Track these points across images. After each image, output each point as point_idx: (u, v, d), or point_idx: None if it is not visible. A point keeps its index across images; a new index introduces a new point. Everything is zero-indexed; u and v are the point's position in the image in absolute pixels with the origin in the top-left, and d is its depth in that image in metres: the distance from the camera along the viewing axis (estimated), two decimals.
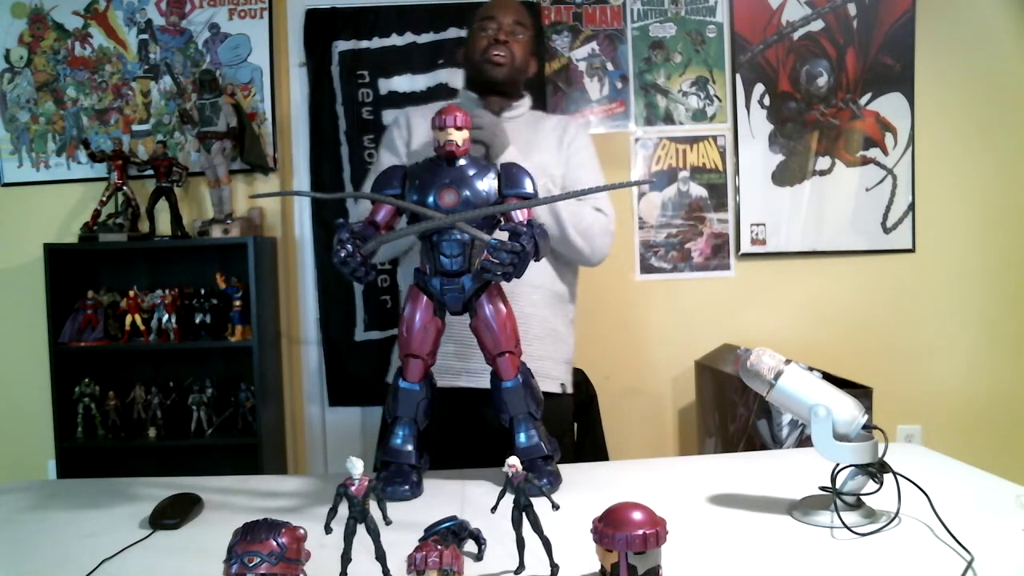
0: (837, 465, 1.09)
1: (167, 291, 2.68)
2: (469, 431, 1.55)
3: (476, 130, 1.43)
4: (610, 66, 2.91)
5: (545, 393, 1.61)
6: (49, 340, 2.67)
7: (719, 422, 2.57)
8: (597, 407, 2.73)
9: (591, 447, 2.64)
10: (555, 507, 0.95)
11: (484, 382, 1.35)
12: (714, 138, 2.93)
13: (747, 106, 2.92)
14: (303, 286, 2.93)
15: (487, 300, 1.26)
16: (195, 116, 2.70)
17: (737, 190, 2.93)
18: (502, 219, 1.26)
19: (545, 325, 1.67)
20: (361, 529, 0.88)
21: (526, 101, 1.82)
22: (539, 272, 1.64)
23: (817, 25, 2.91)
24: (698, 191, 2.92)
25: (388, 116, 2.79)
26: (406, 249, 1.69)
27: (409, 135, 1.74)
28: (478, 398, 1.46)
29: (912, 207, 2.93)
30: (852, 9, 2.90)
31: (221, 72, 2.85)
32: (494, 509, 0.96)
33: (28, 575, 0.99)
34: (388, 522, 0.93)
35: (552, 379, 1.68)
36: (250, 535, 0.73)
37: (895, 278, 2.95)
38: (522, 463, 0.94)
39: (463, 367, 1.57)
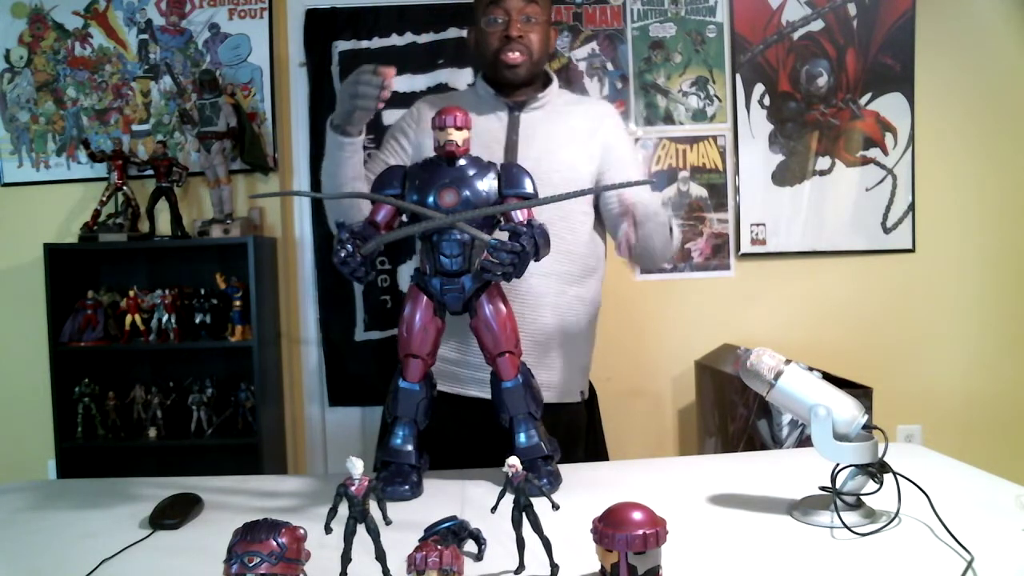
0: (837, 465, 1.09)
1: (167, 291, 2.68)
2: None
3: None
4: (610, 66, 2.91)
5: (567, 404, 1.61)
6: (49, 340, 2.67)
7: (719, 422, 2.57)
8: (597, 407, 2.73)
9: (591, 447, 2.64)
10: (555, 507, 0.95)
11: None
12: (714, 138, 2.93)
13: (747, 106, 2.92)
14: (303, 286, 2.93)
15: (487, 300, 1.26)
16: (195, 116, 2.70)
17: (737, 190, 2.93)
18: (502, 219, 1.26)
19: (578, 336, 1.61)
20: (361, 529, 0.88)
21: (552, 86, 1.65)
22: (588, 286, 1.60)
23: (817, 25, 2.91)
24: (698, 191, 2.93)
25: (388, 116, 2.79)
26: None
27: (418, 125, 1.63)
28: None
29: (912, 207, 2.93)
30: (852, 9, 2.90)
31: (221, 72, 2.85)
32: (494, 509, 0.96)
33: (28, 575, 0.99)
34: (388, 522, 0.93)
35: (572, 392, 1.65)
36: (250, 535, 0.73)
37: (895, 278, 2.95)
38: (522, 463, 0.94)
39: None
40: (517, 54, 1.54)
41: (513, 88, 1.60)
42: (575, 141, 1.59)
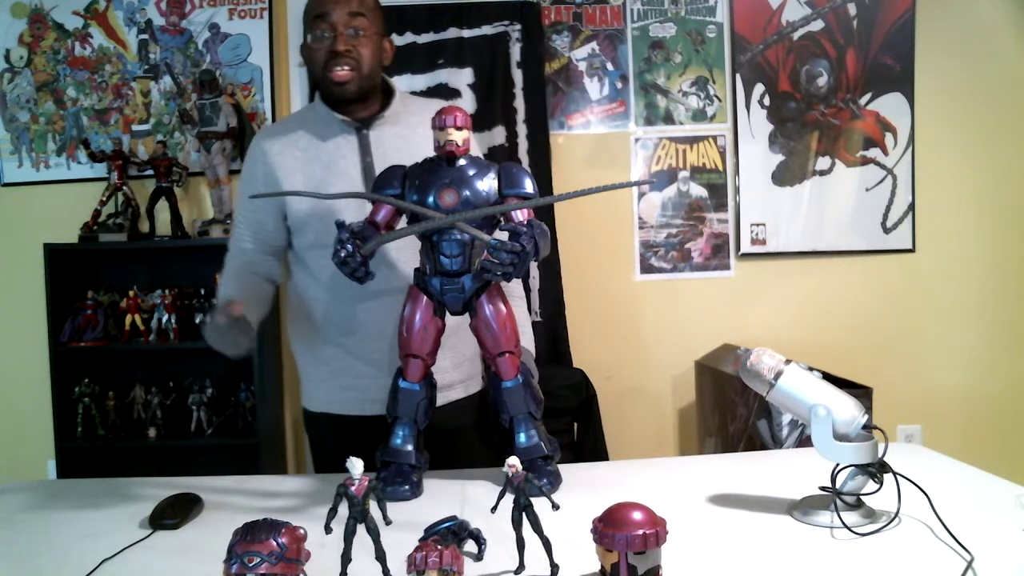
0: (837, 465, 1.09)
1: (167, 291, 2.68)
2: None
3: None
4: (610, 66, 2.91)
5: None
6: (49, 340, 2.66)
7: (719, 422, 2.57)
8: (597, 407, 2.74)
9: (591, 446, 2.65)
10: (555, 507, 0.95)
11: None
12: (714, 138, 2.93)
13: (747, 106, 2.92)
14: None
15: (487, 300, 1.26)
16: (195, 116, 2.71)
17: (737, 190, 2.93)
18: (502, 219, 1.26)
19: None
20: (361, 529, 0.88)
21: (395, 97, 1.56)
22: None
23: (817, 25, 2.91)
24: (698, 191, 2.92)
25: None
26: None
27: (265, 160, 1.56)
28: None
29: (912, 207, 2.93)
30: (852, 9, 2.90)
31: (221, 72, 2.85)
32: (494, 509, 0.95)
33: (28, 575, 0.99)
34: (388, 522, 0.93)
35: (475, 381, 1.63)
36: (250, 535, 0.73)
37: (895, 278, 2.95)
38: (522, 463, 0.94)
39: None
40: (345, 70, 1.46)
41: (348, 105, 1.51)
42: (430, 151, 1.47)
